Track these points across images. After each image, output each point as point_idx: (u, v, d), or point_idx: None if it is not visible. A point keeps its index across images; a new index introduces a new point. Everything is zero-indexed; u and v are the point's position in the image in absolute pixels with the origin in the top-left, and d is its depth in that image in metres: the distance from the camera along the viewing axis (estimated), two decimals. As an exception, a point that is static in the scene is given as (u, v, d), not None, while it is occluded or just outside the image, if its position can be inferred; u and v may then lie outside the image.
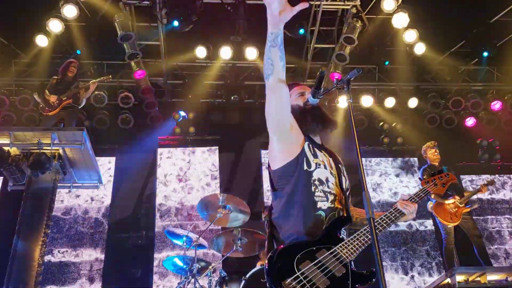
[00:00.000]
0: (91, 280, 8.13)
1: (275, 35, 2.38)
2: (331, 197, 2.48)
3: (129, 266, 8.28)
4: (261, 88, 9.91)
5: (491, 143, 10.08)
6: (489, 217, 9.35)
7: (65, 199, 8.80)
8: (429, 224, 9.14)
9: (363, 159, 9.50)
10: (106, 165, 9.30)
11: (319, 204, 2.43)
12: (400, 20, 8.24)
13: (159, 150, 9.54)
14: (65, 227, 8.57)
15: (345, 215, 2.51)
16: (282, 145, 2.54)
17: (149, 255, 8.46)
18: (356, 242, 2.34)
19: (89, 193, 9.02)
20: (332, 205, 2.46)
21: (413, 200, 2.58)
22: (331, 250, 2.28)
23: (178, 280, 6.11)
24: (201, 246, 5.63)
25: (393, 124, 9.93)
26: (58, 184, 6.51)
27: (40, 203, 6.03)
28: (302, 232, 2.38)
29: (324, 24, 8.85)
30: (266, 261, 2.27)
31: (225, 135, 9.75)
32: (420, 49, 8.76)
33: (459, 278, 5.71)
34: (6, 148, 5.99)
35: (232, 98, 9.48)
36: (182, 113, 9.53)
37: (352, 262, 2.30)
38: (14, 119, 9.03)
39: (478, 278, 5.74)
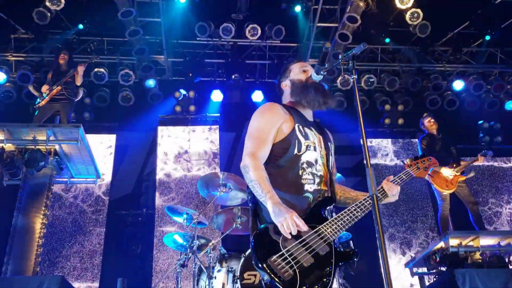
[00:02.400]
0: (92, 256, 8.20)
1: (264, 195, 2.40)
2: (317, 180, 2.54)
3: (130, 243, 8.35)
4: (262, 67, 9.86)
5: (492, 126, 10.06)
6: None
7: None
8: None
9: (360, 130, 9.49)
10: (107, 142, 9.30)
11: (306, 187, 2.50)
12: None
13: (160, 128, 9.52)
14: (66, 203, 8.60)
15: (329, 195, 2.58)
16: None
17: (149, 231, 8.52)
18: (340, 222, 2.39)
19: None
20: (319, 187, 2.53)
21: (396, 182, 2.63)
22: (316, 229, 2.33)
23: (178, 256, 6.15)
24: (201, 223, 5.66)
25: (395, 105, 9.89)
26: (55, 179, 6.53)
27: (36, 199, 6.04)
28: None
29: (327, 2, 8.75)
30: (252, 238, 2.31)
31: (225, 114, 9.73)
32: (423, 29, 8.67)
33: (453, 242, 5.87)
34: (0, 145, 5.94)
35: (233, 76, 9.42)
36: (183, 91, 9.48)
37: (336, 241, 2.37)
38: (14, 95, 8.98)
39: (471, 243, 5.90)
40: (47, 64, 8.93)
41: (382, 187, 2.61)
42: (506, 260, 5.99)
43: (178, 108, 9.50)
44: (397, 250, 8.85)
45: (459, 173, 6.57)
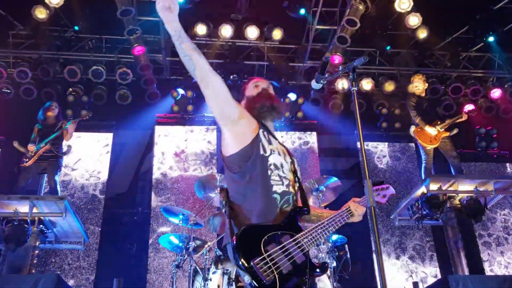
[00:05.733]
0: (87, 255, 8.19)
1: (178, 31, 2.45)
2: (286, 182, 2.60)
3: (125, 242, 8.34)
4: (261, 68, 9.86)
5: (488, 131, 10.10)
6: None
7: (62, 173, 8.79)
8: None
9: (359, 143, 9.53)
10: (103, 140, 9.29)
11: (275, 188, 2.54)
12: (403, 3, 8.17)
13: (157, 127, 9.51)
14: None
15: (298, 200, 2.66)
16: (233, 133, 2.64)
17: (145, 231, 8.51)
18: (315, 234, 2.46)
19: (87, 168, 9.03)
20: (287, 189, 2.58)
21: (362, 203, 2.69)
22: (294, 237, 2.39)
23: (174, 256, 6.15)
24: (197, 224, 5.67)
25: (392, 109, 9.92)
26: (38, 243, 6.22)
27: (19, 264, 5.78)
28: (259, 213, 2.48)
29: (326, 5, 8.75)
30: (234, 238, 2.34)
31: (223, 114, 9.70)
32: (422, 33, 8.71)
33: (433, 186, 6.39)
34: None
35: (231, 77, 9.41)
36: (181, 91, 9.47)
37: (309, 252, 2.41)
38: (12, 92, 8.95)
39: (450, 187, 6.41)
40: (45, 61, 8.91)
41: (349, 207, 2.68)
42: (482, 202, 6.49)
43: (175, 108, 9.48)
44: (391, 254, 8.88)
45: (442, 130, 6.96)
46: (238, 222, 2.49)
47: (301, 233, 2.42)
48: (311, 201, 5.90)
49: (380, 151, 9.97)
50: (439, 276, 8.59)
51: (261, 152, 2.58)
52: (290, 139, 9.81)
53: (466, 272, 6.17)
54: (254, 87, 2.92)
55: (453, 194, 6.54)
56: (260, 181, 2.54)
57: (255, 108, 2.77)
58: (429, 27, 8.68)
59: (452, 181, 6.44)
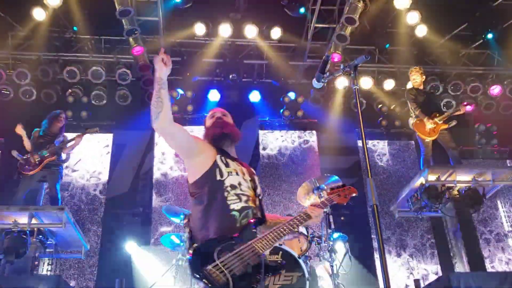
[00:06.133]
0: (88, 255, 8.18)
1: (163, 81, 2.78)
2: (244, 198, 2.87)
3: (126, 242, 8.32)
4: (260, 67, 9.85)
5: (488, 128, 10.10)
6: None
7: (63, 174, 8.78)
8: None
9: (359, 142, 9.52)
10: (104, 141, 9.29)
11: (232, 206, 2.81)
12: (403, 1, 8.16)
13: (157, 127, 9.48)
14: (62, 202, 8.57)
15: (258, 214, 2.90)
16: (193, 163, 2.96)
17: (146, 231, 8.51)
18: (269, 238, 2.68)
19: (87, 169, 9.03)
20: (246, 204, 2.85)
21: (319, 206, 2.95)
22: (248, 243, 2.62)
23: (175, 256, 6.16)
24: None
25: (392, 107, 9.91)
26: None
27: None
28: (215, 230, 2.71)
29: (325, 3, 8.74)
30: (190, 252, 2.58)
31: (223, 113, 9.69)
32: (421, 31, 8.70)
33: (431, 177, 6.46)
34: None
35: (231, 76, 9.41)
36: (180, 91, 9.46)
37: (265, 254, 2.66)
38: (11, 93, 8.95)
39: (449, 178, 6.48)
40: (45, 62, 8.91)
41: (305, 211, 2.92)
42: (481, 193, 6.54)
43: (175, 108, 9.46)
44: (392, 251, 8.88)
45: (441, 122, 6.97)
46: (196, 242, 2.74)
47: (255, 239, 2.65)
48: (311, 201, 5.90)
49: (380, 149, 9.97)
50: (440, 274, 8.59)
51: (218, 177, 2.87)
52: (290, 138, 9.80)
53: (466, 263, 6.19)
54: (210, 117, 3.30)
55: (452, 185, 6.58)
56: (217, 204, 2.80)
57: (211, 137, 3.12)
58: (428, 24, 8.68)
59: (450, 171, 6.49)
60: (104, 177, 8.98)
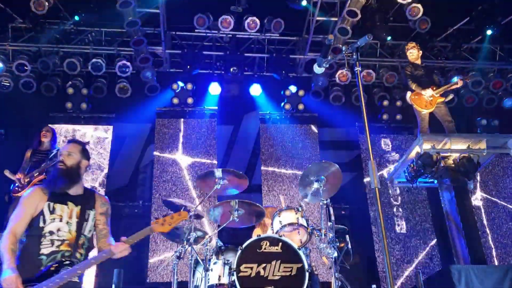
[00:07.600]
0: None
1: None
2: (57, 243, 3.23)
3: (126, 234, 8.30)
4: (261, 60, 9.81)
5: (490, 122, 10.04)
6: None
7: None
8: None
9: (361, 135, 9.49)
10: (104, 134, 9.26)
11: (42, 250, 3.18)
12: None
13: (157, 120, 9.47)
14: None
15: (69, 256, 3.22)
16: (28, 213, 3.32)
17: (146, 224, 8.47)
18: (62, 277, 3.02)
19: (86, 161, 8.99)
20: (57, 249, 3.21)
21: (128, 242, 3.50)
22: (38, 285, 2.97)
23: (175, 248, 6.14)
24: (198, 216, 5.64)
25: (393, 101, 9.87)
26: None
27: None
28: (23, 269, 3.04)
29: (327, -4, 8.70)
30: None
31: (223, 106, 9.68)
32: (423, 24, 8.65)
33: (426, 145, 6.58)
34: None
35: (232, 69, 9.37)
36: (181, 84, 9.43)
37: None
38: (11, 85, 8.92)
39: (444, 146, 6.59)
40: (45, 54, 8.88)
41: (110, 248, 3.40)
42: (476, 161, 6.62)
43: (175, 101, 9.44)
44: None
45: (438, 95, 6.99)
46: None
47: (48, 280, 2.98)
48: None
49: (382, 143, 9.92)
50: (441, 266, 8.58)
51: (41, 224, 3.25)
52: (291, 131, 9.76)
53: (461, 239, 6.23)
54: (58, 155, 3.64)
55: (447, 154, 6.67)
56: (31, 246, 3.20)
57: (47, 183, 3.49)
58: (430, 18, 8.63)
59: (445, 140, 6.58)
60: (104, 169, 8.96)
